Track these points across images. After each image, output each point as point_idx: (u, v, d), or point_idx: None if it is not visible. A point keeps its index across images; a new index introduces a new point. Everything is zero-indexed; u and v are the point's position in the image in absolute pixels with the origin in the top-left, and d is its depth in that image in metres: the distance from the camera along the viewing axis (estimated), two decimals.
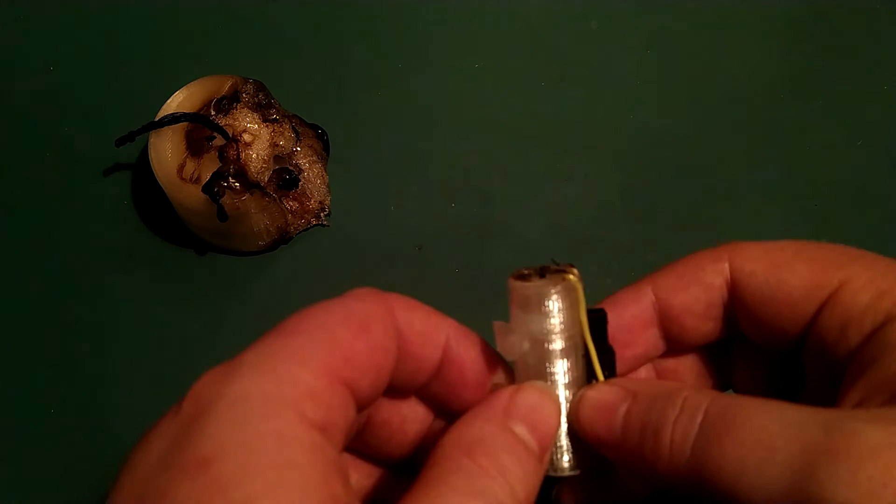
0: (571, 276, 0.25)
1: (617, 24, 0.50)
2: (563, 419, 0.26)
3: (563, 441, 0.26)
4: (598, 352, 0.26)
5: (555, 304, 0.25)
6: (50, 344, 0.42)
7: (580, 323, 0.25)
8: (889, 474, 0.19)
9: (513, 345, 0.25)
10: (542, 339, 0.25)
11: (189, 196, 0.41)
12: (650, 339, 0.28)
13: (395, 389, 0.26)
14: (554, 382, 0.25)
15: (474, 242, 0.44)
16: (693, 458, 0.22)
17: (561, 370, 0.25)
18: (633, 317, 0.27)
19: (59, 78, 0.49)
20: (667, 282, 0.27)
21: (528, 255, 0.44)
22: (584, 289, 0.25)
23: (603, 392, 0.26)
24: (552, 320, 0.25)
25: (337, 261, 0.44)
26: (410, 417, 0.27)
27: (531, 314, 0.25)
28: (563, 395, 0.26)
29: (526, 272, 0.25)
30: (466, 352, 0.26)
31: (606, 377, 0.26)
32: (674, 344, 0.28)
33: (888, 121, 0.48)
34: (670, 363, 0.29)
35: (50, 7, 0.51)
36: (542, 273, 0.25)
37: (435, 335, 0.25)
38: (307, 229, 0.45)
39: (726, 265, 0.26)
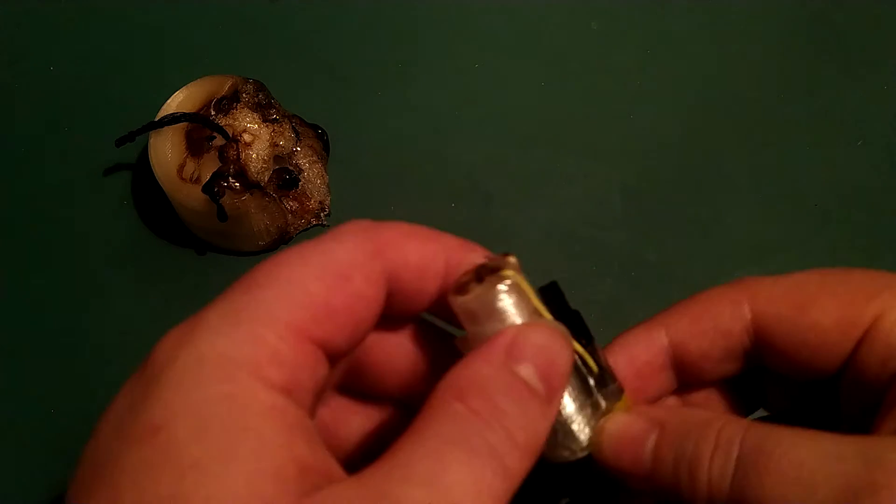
0: (508, 272, 0.23)
1: (617, 24, 0.50)
2: (567, 398, 0.24)
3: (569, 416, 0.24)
4: (565, 323, 0.24)
5: (504, 306, 0.23)
6: (50, 344, 0.42)
7: (536, 310, 0.24)
8: None
9: None
10: None
11: (189, 196, 0.41)
12: (663, 382, 0.27)
13: (391, 320, 0.25)
14: None
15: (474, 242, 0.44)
16: (732, 495, 0.22)
17: None
18: (645, 363, 0.26)
19: (59, 78, 0.49)
20: (681, 326, 0.26)
21: (528, 256, 0.44)
22: (525, 273, 0.24)
23: (627, 423, 0.24)
24: (508, 321, 0.23)
25: None
26: (405, 354, 0.26)
27: (484, 324, 0.23)
28: None
29: (464, 280, 0.24)
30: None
31: (585, 345, 0.24)
32: (688, 383, 0.27)
33: (888, 121, 0.48)
34: (690, 395, 0.28)
35: (50, 7, 0.51)
36: (479, 276, 0.24)
37: (432, 265, 0.24)
38: (307, 229, 0.45)
39: (746, 309, 0.25)
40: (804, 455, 0.21)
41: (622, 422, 0.24)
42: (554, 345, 0.22)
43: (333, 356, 0.22)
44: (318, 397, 0.22)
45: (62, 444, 0.41)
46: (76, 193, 0.46)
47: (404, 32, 0.50)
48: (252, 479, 0.18)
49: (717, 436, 0.22)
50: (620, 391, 0.25)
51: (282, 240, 0.44)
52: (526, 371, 0.21)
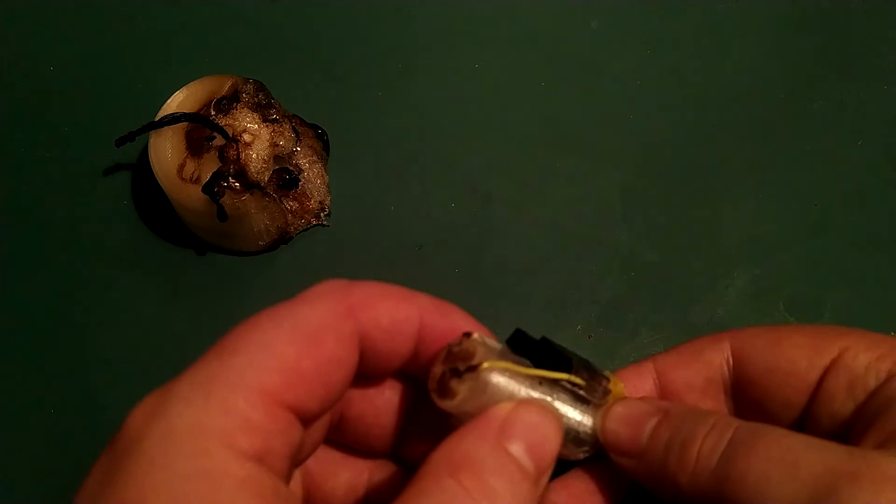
0: (485, 364, 0.23)
1: (617, 24, 0.50)
2: (579, 415, 0.26)
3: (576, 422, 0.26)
4: (546, 364, 0.25)
5: (491, 392, 0.23)
6: (49, 344, 0.42)
7: (518, 374, 0.24)
8: None
9: None
10: None
11: (189, 196, 0.41)
12: None
13: (366, 378, 0.25)
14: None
15: (474, 242, 0.44)
16: (717, 470, 0.23)
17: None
18: (632, 391, 0.28)
19: (59, 78, 0.49)
20: (668, 359, 0.28)
21: (528, 255, 0.44)
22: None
23: (632, 406, 0.26)
24: (501, 400, 0.24)
25: (337, 261, 0.44)
26: (386, 409, 0.26)
27: (478, 411, 0.23)
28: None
29: (438, 373, 0.24)
30: (444, 333, 0.25)
31: (566, 369, 0.25)
32: None
33: (888, 121, 0.48)
34: None
35: (50, 7, 0.51)
36: (455, 370, 0.24)
37: (405, 327, 0.24)
38: (307, 229, 0.45)
39: (727, 345, 0.27)
40: (792, 442, 0.22)
41: (629, 404, 0.26)
42: (545, 424, 0.23)
43: (307, 419, 0.22)
44: (294, 461, 0.22)
45: (62, 445, 0.41)
46: (76, 193, 0.46)
47: (404, 32, 0.50)
48: None
49: (714, 421, 0.24)
50: (608, 381, 0.27)
51: (282, 240, 0.44)
52: (517, 449, 0.22)
